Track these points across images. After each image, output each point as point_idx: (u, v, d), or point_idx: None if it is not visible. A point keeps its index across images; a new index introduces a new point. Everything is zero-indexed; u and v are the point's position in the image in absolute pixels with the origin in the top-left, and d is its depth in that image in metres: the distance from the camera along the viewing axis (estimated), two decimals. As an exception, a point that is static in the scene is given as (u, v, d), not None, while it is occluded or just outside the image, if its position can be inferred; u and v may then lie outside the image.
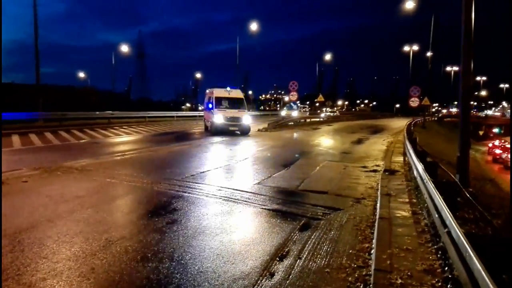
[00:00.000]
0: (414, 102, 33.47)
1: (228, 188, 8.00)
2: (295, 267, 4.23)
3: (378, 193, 7.65)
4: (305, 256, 4.56)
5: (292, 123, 32.03)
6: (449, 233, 4.04)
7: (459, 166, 8.96)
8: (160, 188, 7.78)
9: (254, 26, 38.05)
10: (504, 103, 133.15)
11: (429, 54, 36.17)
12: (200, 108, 46.15)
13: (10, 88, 40.77)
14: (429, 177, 6.44)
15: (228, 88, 22.79)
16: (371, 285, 3.69)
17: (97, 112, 29.10)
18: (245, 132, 21.30)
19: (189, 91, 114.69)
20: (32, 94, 26.11)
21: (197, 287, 3.73)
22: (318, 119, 40.56)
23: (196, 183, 8.39)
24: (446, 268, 3.83)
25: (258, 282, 3.88)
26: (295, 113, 42.64)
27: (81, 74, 64.36)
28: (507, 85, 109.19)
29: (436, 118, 68.37)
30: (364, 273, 4.07)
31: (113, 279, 3.84)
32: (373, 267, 4.06)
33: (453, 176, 8.53)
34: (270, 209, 6.52)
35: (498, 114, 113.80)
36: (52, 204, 6.42)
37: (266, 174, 9.79)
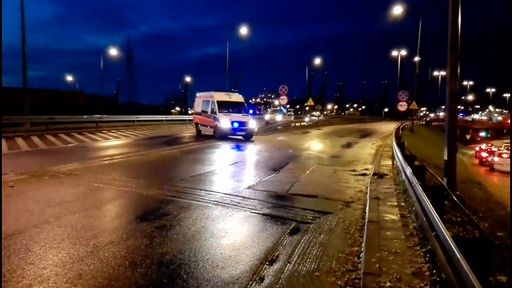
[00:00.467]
0: (402, 106, 33.86)
1: (218, 192, 7.98)
2: (285, 271, 4.23)
3: (367, 196, 7.71)
4: (295, 260, 4.56)
5: (282, 127, 32.09)
6: (437, 236, 4.09)
7: (446, 170, 9.07)
8: (149, 193, 7.72)
9: (243, 30, 38.04)
10: (491, 107, 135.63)
11: (416, 59, 36.60)
12: (190, 112, 45.87)
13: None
14: (417, 181, 6.51)
15: (229, 93, 22.93)
16: (360, 289, 3.70)
17: (85, 116, 28.69)
18: (249, 137, 21.03)
19: (179, 95, 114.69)
20: (19, 98, 25.71)
21: (186, 293, 3.70)
22: (306, 123, 40.70)
23: (186, 187, 8.35)
24: (434, 271, 3.88)
25: (248, 286, 3.87)
26: (279, 117, 42.77)
27: (69, 78, 63.88)
28: (493, 90, 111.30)
29: (424, 122, 69.16)
30: (353, 276, 4.09)
31: (101, 285, 3.79)
32: (362, 270, 4.09)
33: (440, 179, 8.64)
34: (260, 213, 6.52)
35: (484, 118, 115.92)
36: (39, 209, 6.32)
37: (256, 178, 9.80)
